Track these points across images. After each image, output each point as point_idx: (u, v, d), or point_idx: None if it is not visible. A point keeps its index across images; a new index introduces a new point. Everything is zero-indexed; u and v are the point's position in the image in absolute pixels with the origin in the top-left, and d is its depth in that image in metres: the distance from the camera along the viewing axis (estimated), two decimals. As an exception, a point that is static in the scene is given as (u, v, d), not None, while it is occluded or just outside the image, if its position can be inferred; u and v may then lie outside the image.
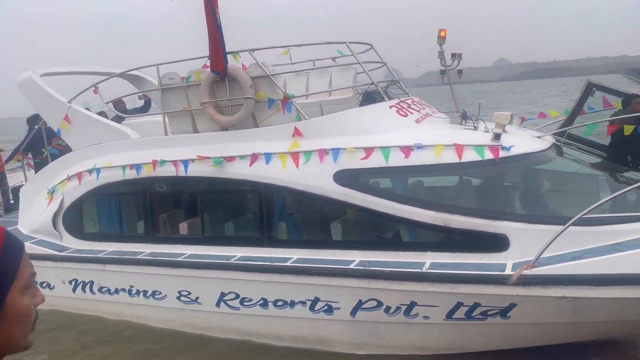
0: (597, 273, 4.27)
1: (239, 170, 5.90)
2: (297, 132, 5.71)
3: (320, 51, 7.45)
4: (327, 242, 5.61)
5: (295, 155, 5.63)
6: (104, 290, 6.80)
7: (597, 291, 4.28)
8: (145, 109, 9.42)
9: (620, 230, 4.52)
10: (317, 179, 5.51)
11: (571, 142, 6.33)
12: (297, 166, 5.58)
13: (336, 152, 5.44)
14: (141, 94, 9.44)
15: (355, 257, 5.31)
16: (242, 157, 5.87)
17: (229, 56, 6.09)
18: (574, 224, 4.42)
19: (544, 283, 4.42)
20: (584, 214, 4.36)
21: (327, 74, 7.38)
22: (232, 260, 5.78)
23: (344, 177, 5.40)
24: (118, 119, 7.59)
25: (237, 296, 5.83)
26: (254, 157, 5.80)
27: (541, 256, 4.51)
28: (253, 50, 6.06)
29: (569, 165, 5.85)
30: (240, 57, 6.29)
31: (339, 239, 5.58)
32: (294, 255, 5.60)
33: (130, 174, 6.57)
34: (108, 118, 7.88)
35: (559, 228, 4.46)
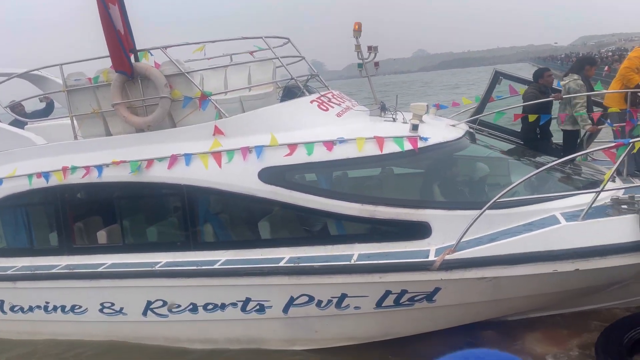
0: (511, 253, 4.55)
1: (158, 173, 5.65)
2: (217, 131, 5.56)
3: (237, 46, 7.31)
4: (255, 242, 5.54)
5: (217, 155, 5.49)
6: (16, 309, 6.30)
7: (512, 270, 4.57)
8: (47, 112, 8.72)
9: (530, 210, 4.84)
10: (241, 178, 5.41)
11: (483, 128, 6.67)
12: (220, 166, 5.44)
13: (260, 149, 5.36)
14: (42, 96, 8.77)
15: (285, 255, 5.29)
16: (160, 159, 5.63)
17: (140, 55, 5.79)
18: (489, 208, 4.66)
19: (465, 266, 4.64)
20: (498, 199, 4.62)
21: (246, 68, 7.26)
22: (157, 267, 5.56)
23: (269, 175, 5.34)
24: (18, 124, 6.99)
25: (165, 303, 5.62)
26: (173, 159, 5.59)
27: (461, 240, 4.72)
28: (166, 47, 5.81)
29: (482, 152, 6.17)
30: (151, 54, 6.00)
31: (268, 237, 5.53)
32: (222, 257, 5.47)
33: (38, 183, 6.10)
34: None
35: (476, 213, 4.70)
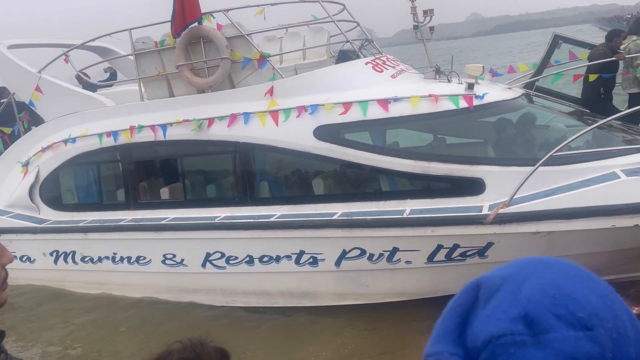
0: (568, 207, 4.51)
1: (218, 132, 5.93)
2: (273, 91, 5.76)
3: (293, 13, 7.46)
4: (309, 197, 5.72)
5: (274, 114, 5.69)
6: (86, 259, 6.78)
7: (568, 224, 4.53)
8: (110, 81, 9.27)
9: (586, 167, 4.76)
10: (297, 135, 5.60)
11: (540, 94, 6.56)
12: (277, 124, 5.65)
13: (315, 108, 5.52)
14: (107, 66, 9.29)
15: (338, 210, 5.45)
16: (220, 118, 5.90)
17: (203, 17, 6.06)
18: (543, 164, 4.63)
19: (519, 220, 4.64)
20: (552, 154, 4.58)
21: (300, 37, 7.41)
22: (216, 220, 5.84)
23: (325, 133, 5.50)
24: (91, 88, 7.48)
25: (223, 255, 5.91)
26: (232, 118, 5.84)
27: (515, 196, 4.72)
28: (227, 10, 6.05)
29: (539, 112, 6.07)
30: (213, 17, 6.26)
31: (321, 193, 5.70)
32: (277, 212, 5.69)
33: (108, 142, 6.52)
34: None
35: (530, 169, 4.67)
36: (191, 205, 6.23)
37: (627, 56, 6.08)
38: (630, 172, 4.57)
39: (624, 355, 0.56)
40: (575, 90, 6.61)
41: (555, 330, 0.56)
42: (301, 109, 5.60)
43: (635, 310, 5.01)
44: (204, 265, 6.05)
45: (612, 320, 0.57)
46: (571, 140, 4.69)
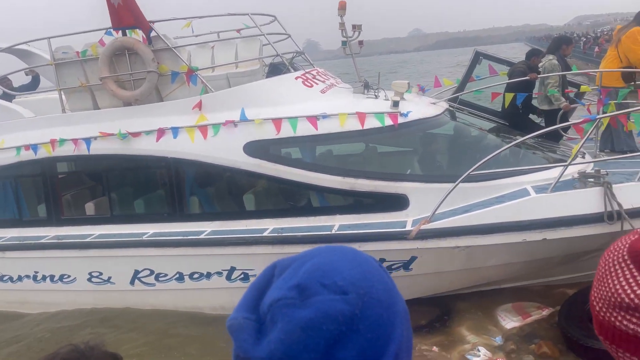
0: (484, 223, 4.79)
1: (146, 146, 5.79)
2: (201, 105, 5.70)
3: (224, 23, 7.40)
4: (240, 213, 5.73)
5: (203, 129, 5.63)
6: (5, 278, 6.44)
7: (484, 239, 4.81)
8: (33, 85, 8.76)
9: (501, 184, 5.07)
10: (227, 151, 5.58)
11: (463, 107, 6.88)
12: (205, 139, 5.60)
13: (244, 123, 5.52)
14: (29, 69, 8.79)
15: (269, 225, 5.49)
16: (148, 132, 5.77)
17: (127, 31, 5.89)
18: (464, 181, 4.88)
19: (440, 235, 4.88)
20: (471, 172, 4.83)
21: (233, 46, 7.35)
22: (144, 237, 5.72)
23: (254, 149, 5.51)
24: (6, 97, 7.06)
25: (152, 272, 5.81)
26: (160, 132, 5.72)
27: (437, 212, 4.95)
28: (153, 22, 5.90)
29: (460, 129, 6.37)
30: (139, 30, 6.08)
31: (252, 209, 5.72)
32: (207, 228, 5.66)
33: (27, 155, 6.21)
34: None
35: (451, 186, 4.92)
36: (118, 221, 6.06)
37: (540, 75, 6.49)
38: (539, 189, 4.91)
39: (372, 314, 0.71)
40: (496, 104, 6.99)
41: (318, 295, 0.70)
42: (231, 124, 5.58)
43: (544, 312, 5.42)
44: (132, 282, 5.92)
45: (366, 288, 0.72)
46: (488, 159, 4.95)
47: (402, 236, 4.95)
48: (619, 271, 0.86)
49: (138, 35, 6.01)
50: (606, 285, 0.87)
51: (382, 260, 5.14)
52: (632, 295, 0.83)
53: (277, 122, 5.47)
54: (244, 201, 5.74)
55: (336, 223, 5.29)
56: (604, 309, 0.87)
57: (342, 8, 6.17)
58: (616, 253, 0.88)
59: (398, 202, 5.21)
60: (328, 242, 5.16)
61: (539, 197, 4.79)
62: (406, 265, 5.15)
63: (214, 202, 6.06)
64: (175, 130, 5.69)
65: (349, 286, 0.71)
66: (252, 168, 5.51)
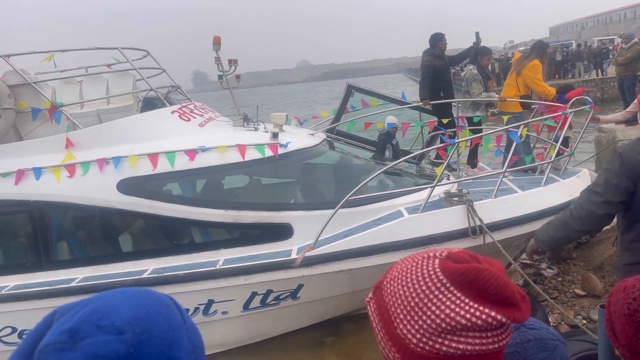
0: (363, 246, 4.98)
1: (3, 190, 5.24)
2: (69, 143, 5.32)
3: (93, 57, 7.05)
4: (116, 256, 5.37)
5: (70, 168, 5.24)
6: None
7: (365, 261, 4.99)
8: None
9: (377, 207, 5.34)
10: (99, 190, 5.23)
11: (339, 137, 7.19)
12: (74, 179, 5.21)
13: (117, 160, 5.24)
14: None
15: (148, 266, 5.21)
16: (4, 174, 5.23)
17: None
18: (343, 207, 5.06)
19: (324, 261, 4.98)
20: (349, 197, 5.04)
21: (103, 81, 7.02)
22: (3, 291, 5.11)
23: (129, 186, 5.24)
24: None
25: (14, 330, 5.18)
26: (19, 174, 5.22)
27: (320, 238, 5.06)
28: (8, 56, 5.45)
29: (337, 157, 6.64)
30: (-7, 64, 5.58)
31: (129, 250, 5.39)
32: (79, 274, 5.21)
33: None
34: None
35: (332, 212, 5.07)
36: None
37: (463, 83, 7.04)
38: (412, 210, 5.24)
39: (152, 352, 0.71)
40: (370, 132, 7.42)
41: (91, 337, 0.69)
42: (102, 162, 5.26)
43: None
44: (-11, 344, 5.22)
45: (145, 327, 0.72)
46: (363, 184, 5.20)
47: (288, 265, 4.97)
48: (441, 296, 0.85)
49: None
50: (427, 313, 0.85)
51: (270, 291, 5.11)
52: (464, 316, 0.83)
53: (153, 157, 5.27)
54: (120, 242, 5.40)
55: (221, 258, 5.17)
56: (427, 339, 0.85)
57: (217, 43, 6.19)
58: (427, 279, 0.87)
59: (282, 232, 5.24)
60: (213, 278, 5.02)
61: (412, 217, 5.12)
62: (294, 294, 5.16)
63: (85, 246, 5.61)
64: (37, 171, 5.23)
65: (125, 326, 0.71)
66: (127, 207, 5.22)
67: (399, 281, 0.89)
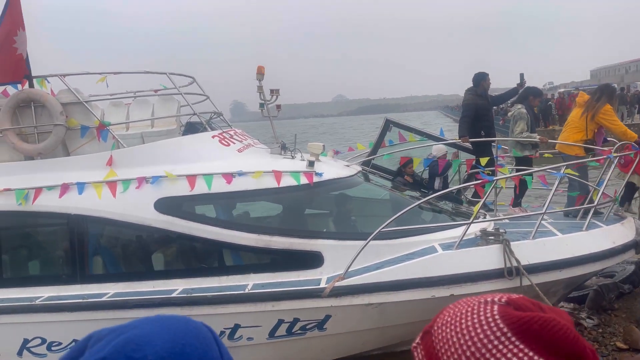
0: (395, 279, 4.88)
1: (47, 202, 5.43)
2: (112, 161, 5.50)
3: (142, 81, 7.35)
4: (147, 274, 5.43)
5: (112, 184, 5.40)
6: None
7: (396, 295, 4.88)
8: None
9: (411, 242, 5.25)
10: (136, 207, 5.35)
11: (375, 170, 7.19)
12: (114, 195, 5.36)
13: (156, 179, 5.37)
14: None
15: (179, 286, 5.24)
16: (50, 187, 5.43)
17: (37, 81, 5.68)
18: (374, 239, 5.00)
19: (353, 292, 4.89)
20: (382, 229, 4.98)
21: (149, 105, 7.29)
22: (37, 302, 5.22)
23: (166, 205, 5.34)
24: None
25: (44, 341, 5.25)
26: (64, 188, 5.41)
27: (350, 269, 4.99)
28: (64, 75, 5.74)
29: (372, 189, 6.62)
30: (48, 82, 5.89)
31: (161, 269, 5.45)
32: (110, 289, 5.28)
33: None
34: None
35: (363, 243, 5.01)
36: (9, 285, 5.49)
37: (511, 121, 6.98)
38: (446, 247, 5.13)
39: None
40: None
41: None
42: (142, 180, 5.40)
43: None
44: (20, 353, 5.30)
45: (174, 358, 0.70)
46: (397, 217, 5.14)
47: (316, 294, 4.90)
48: (501, 347, 0.76)
49: (46, 87, 5.80)
50: None
51: (297, 320, 5.04)
52: None
53: (191, 178, 5.38)
54: (153, 260, 5.47)
55: (250, 282, 5.16)
56: None
57: (260, 73, 6.38)
58: (485, 326, 0.79)
59: (313, 260, 5.20)
60: (240, 302, 5.00)
61: (446, 254, 5.00)
62: (320, 325, 5.07)
63: (119, 262, 5.71)
64: (80, 186, 5.41)
65: (158, 359, 0.69)
66: (162, 225, 5.31)
67: (453, 327, 0.81)
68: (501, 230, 5.20)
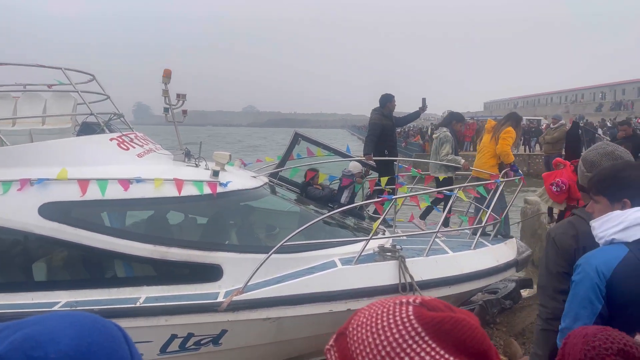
0: (294, 294, 4.87)
1: None
2: None
3: (34, 75, 6.78)
4: (26, 284, 4.96)
5: None
6: None
7: (294, 310, 4.87)
8: None
9: (314, 255, 5.28)
10: (17, 212, 4.89)
11: (282, 183, 7.18)
12: None
13: (41, 182, 4.95)
14: None
15: (62, 299, 4.84)
16: None
17: None
18: (276, 252, 4.97)
19: (251, 307, 4.81)
20: (284, 243, 4.96)
21: (41, 100, 6.76)
22: None
23: (52, 211, 4.93)
24: None
25: None
26: None
27: (250, 282, 4.91)
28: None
29: (277, 202, 6.60)
30: None
31: (43, 280, 5.00)
32: None
33: None
34: None
35: (265, 256, 4.96)
36: None
37: (434, 142, 7.21)
38: (345, 261, 5.22)
39: None
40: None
41: None
42: (25, 182, 4.95)
43: None
44: None
45: (78, 357, 0.66)
46: (300, 231, 5.15)
47: (212, 308, 4.76)
48: (415, 346, 0.78)
49: None
50: None
51: (191, 335, 4.85)
52: None
53: (83, 182, 5.02)
54: (34, 270, 5.01)
55: (142, 295, 4.89)
56: None
57: (167, 76, 6.12)
58: (400, 327, 0.81)
59: (211, 273, 5.05)
60: (131, 317, 4.72)
61: (345, 268, 5.09)
62: (215, 340, 4.92)
63: (-6, 272, 5.16)
64: (-51, 186, 4.84)
65: (62, 357, 0.65)
66: (47, 232, 4.89)
67: (368, 328, 0.82)
68: (398, 247, 5.40)
